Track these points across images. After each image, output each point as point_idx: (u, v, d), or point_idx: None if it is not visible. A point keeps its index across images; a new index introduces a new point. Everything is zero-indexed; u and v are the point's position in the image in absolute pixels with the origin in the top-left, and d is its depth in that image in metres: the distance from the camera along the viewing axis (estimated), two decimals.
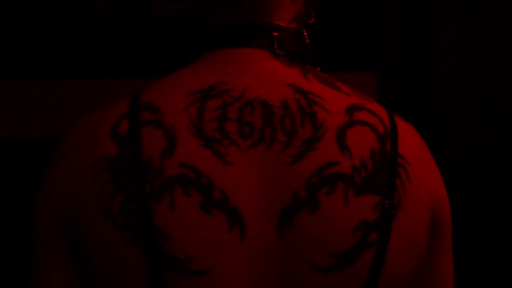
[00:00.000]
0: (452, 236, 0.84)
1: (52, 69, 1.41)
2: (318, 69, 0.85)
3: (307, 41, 0.82)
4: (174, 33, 1.34)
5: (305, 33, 0.82)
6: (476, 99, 1.81)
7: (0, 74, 1.40)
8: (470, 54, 1.81)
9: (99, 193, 0.73)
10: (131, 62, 1.41)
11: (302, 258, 0.73)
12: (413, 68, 1.80)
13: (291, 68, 0.79)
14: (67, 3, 1.39)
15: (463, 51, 1.81)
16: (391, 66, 1.78)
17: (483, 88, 1.81)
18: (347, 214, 0.73)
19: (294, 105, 0.75)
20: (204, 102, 0.75)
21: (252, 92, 0.76)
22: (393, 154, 0.77)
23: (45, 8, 1.40)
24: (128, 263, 0.72)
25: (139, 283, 0.72)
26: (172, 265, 0.71)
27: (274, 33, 0.79)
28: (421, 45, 1.81)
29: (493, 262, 1.74)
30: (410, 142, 0.81)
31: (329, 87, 0.79)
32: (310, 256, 0.73)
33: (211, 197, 0.72)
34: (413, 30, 1.80)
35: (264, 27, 0.79)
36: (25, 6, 1.39)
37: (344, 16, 1.73)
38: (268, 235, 0.73)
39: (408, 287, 0.78)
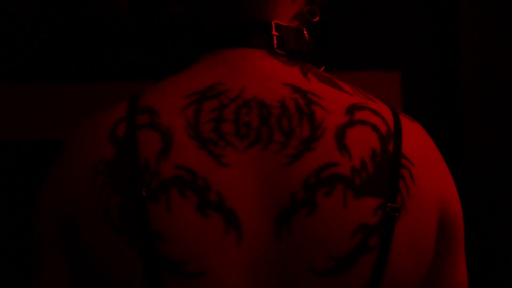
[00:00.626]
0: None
1: (65, 72, 1.43)
2: (323, 68, 0.84)
3: (307, 40, 0.81)
4: (192, 34, 1.34)
5: (305, 32, 0.80)
6: (503, 98, 1.76)
7: (7, 77, 1.43)
8: (497, 50, 1.76)
9: (97, 195, 0.73)
10: (143, 64, 1.42)
11: (301, 261, 0.71)
12: (438, 66, 1.77)
13: (290, 68, 0.78)
14: (88, 7, 1.40)
15: (489, 47, 1.76)
16: (415, 63, 1.75)
17: (510, 86, 1.77)
18: (346, 216, 0.72)
19: (292, 105, 0.74)
20: (201, 103, 0.74)
21: (249, 92, 0.75)
22: (396, 155, 0.75)
23: (53, 10, 1.42)
24: (125, 265, 0.72)
25: (136, 285, 0.72)
26: (169, 267, 0.71)
27: (274, 32, 0.78)
28: (446, 41, 1.77)
29: None
30: (416, 142, 0.78)
31: (329, 86, 0.78)
32: (309, 259, 0.71)
33: (207, 199, 0.71)
34: (437, 26, 1.77)
35: (262, 27, 0.78)
36: (35, 9, 1.41)
37: (366, 12, 1.71)
38: (266, 237, 0.72)
39: None
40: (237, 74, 0.76)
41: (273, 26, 0.78)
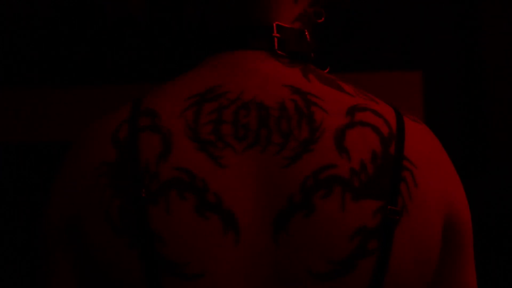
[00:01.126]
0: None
1: (74, 74, 1.44)
2: (328, 70, 0.83)
3: (309, 41, 0.80)
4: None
5: (306, 33, 0.80)
6: None
7: (16, 80, 1.45)
8: None
9: (99, 197, 0.74)
10: (153, 66, 1.43)
11: (299, 264, 0.71)
12: (460, 65, 1.74)
13: (291, 69, 0.78)
14: (98, 10, 1.42)
15: None
16: (437, 63, 1.72)
17: None
18: (344, 219, 0.71)
19: (291, 106, 0.74)
20: (200, 105, 0.75)
21: (248, 94, 0.75)
22: (398, 157, 0.74)
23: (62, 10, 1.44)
24: (126, 267, 0.73)
25: (136, 286, 0.72)
26: (168, 268, 0.71)
27: (275, 34, 0.78)
28: (469, 40, 1.74)
29: None
30: (420, 144, 0.77)
31: (331, 87, 0.77)
32: (307, 262, 0.71)
33: (205, 200, 0.71)
34: (460, 23, 1.74)
35: (263, 29, 0.79)
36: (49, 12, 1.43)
37: (387, 12, 1.69)
38: (264, 239, 0.72)
39: None
40: (237, 76, 0.77)
41: (274, 27, 0.78)
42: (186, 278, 0.71)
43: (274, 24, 0.78)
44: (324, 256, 0.71)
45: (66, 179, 0.78)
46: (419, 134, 0.78)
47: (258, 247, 0.71)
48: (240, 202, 0.72)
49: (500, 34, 1.73)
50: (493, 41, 1.73)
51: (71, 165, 0.79)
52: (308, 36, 0.80)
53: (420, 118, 1.65)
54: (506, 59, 1.73)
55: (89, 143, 0.78)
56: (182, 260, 0.71)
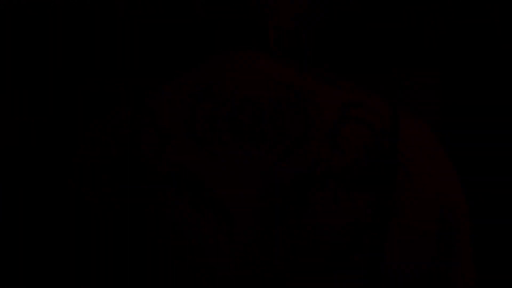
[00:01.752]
0: None
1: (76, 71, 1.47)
2: (326, 67, 0.85)
3: (305, 40, 0.82)
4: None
5: (303, 31, 0.82)
6: None
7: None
8: None
9: (102, 193, 0.77)
10: (159, 66, 1.45)
11: (292, 258, 0.73)
12: (481, 64, 1.73)
13: (286, 67, 0.80)
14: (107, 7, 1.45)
15: None
16: (456, 62, 1.72)
17: None
18: (337, 214, 0.72)
19: (285, 103, 0.76)
20: (197, 103, 0.78)
21: (244, 91, 0.77)
22: (391, 152, 0.76)
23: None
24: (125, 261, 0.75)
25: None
26: (166, 262, 0.74)
27: (271, 32, 0.80)
28: (489, 39, 1.73)
29: None
30: (414, 140, 0.78)
31: (325, 84, 0.79)
32: (300, 256, 0.72)
33: (200, 195, 0.74)
34: (480, 22, 1.73)
35: (259, 28, 0.81)
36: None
37: (403, 10, 1.69)
38: (257, 233, 0.73)
39: None
40: (233, 74, 0.79)
41: (270, 27, 0.80)
42: (183, 272, 0.74)
43: (270, 23, 0.80)
44: (317, 250, 0.72)
45: (71, 176, 0.81)
46: (414, 130, 0.79)
47: (252, 241, 0.73)
48: (235, 197, 0.74)
49: None
50: None
51: (75, 163, 0.82)
52: (304, 35, 0.82)
53: (437, 118, 1.64)
54: None
55: (92, 142, 0.81)
56: (178, 254, 0.73)
